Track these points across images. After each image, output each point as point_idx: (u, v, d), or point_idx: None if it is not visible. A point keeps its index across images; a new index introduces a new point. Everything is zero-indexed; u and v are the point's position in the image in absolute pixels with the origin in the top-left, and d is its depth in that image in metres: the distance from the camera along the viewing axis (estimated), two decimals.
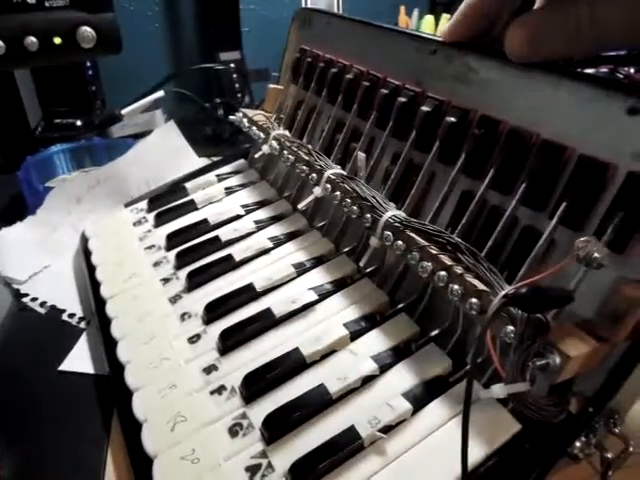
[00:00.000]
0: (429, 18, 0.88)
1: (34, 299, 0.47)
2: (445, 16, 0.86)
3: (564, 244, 0.27)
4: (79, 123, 0.77)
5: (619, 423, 0.26)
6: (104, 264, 0.46)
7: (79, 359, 0.40)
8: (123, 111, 0.72)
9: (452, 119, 0.33)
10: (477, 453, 0.25)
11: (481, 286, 0.26)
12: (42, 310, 0.46)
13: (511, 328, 0.24)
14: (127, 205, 0.54)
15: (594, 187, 0.25)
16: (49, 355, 0.41)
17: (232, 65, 0.85)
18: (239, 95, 0.85)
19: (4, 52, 0.43)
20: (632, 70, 0.85)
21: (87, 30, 0.45)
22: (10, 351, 0.42)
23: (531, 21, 0.27)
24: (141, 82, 0.79)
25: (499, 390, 0.24)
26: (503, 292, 0.24)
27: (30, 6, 0.45)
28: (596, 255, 0.22)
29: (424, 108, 0.35)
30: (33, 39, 0.44)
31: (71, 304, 0.46)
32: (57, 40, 0.46)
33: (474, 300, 0.26)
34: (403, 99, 0.37)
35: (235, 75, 0.85)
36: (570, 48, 0.26)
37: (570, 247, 0.23)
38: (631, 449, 0.25)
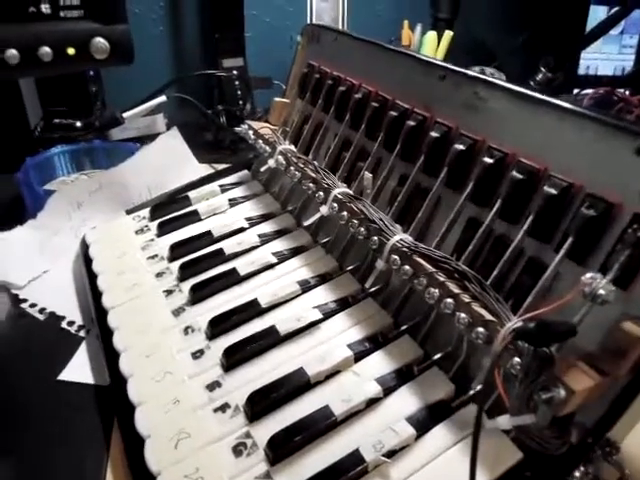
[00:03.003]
0: (432, 34, 0.88)
1: (33, 305, 0.46)
2: (448, 33, 0.86)
3: (568, 276, 0.27)
4: (79, 124, 0.76)
5: (615, 452, 0.26)
6: (105, 273, 0.45)
7: (79, 369, 0.40)
8: (125, 114, 0.71)
9: (460, 147, 0.33)
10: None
11: (488, 316, 0.26)
12: (41, 316, 0.45)
13: (517, 360, 0.24)
14: (129, 212, 0.54)
15: (600, 225, 0.26)
16: (48, 363, 0.40)
17: (235, 72, 0.86)
18: (240, 102, 0.85)
19: (18, 61, 0.43)
20: (627, 92, 0.87)
21: (101, 41, 0.46)
22: (7, 358, 0.41)
23: None
24: (142, 84, 0.79)
25: (505, 422, 0.24)
26: (511, 324, 0.24)
27: (45, 16, 0.45)
28: (601, 292, 0.23)
29: (433, 134, 0.35)
30: (47, 49, 0.44)
31: (70, 311, 0.46)
32: (70, 50, 0.47)
33: (481, 329, 0.26)
34: (412, 123, 0.37)
35: (237, 82, 0.85)
36: None
37: (574, 279, 0.24)
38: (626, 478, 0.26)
